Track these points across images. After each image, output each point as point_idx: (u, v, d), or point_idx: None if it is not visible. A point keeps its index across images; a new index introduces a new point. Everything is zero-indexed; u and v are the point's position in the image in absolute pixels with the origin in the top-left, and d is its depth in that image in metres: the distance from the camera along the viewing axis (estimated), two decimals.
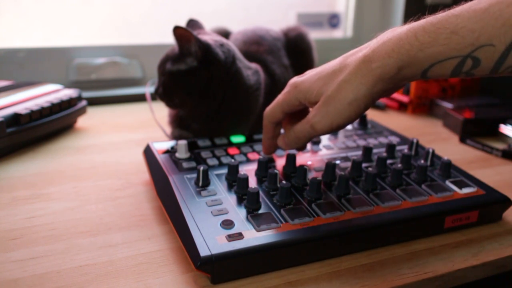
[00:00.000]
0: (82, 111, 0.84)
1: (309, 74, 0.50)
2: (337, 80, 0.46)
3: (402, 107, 1.00)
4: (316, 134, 0.48)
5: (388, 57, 0.43)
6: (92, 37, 1.05)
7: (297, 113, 0.53)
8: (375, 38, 0.46)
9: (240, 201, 0.49)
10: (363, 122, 0.73)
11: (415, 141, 0.64)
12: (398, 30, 0.44)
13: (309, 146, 0.65)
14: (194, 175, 0.54)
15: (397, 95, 1.01)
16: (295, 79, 0.51)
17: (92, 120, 0.87)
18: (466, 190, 0.54)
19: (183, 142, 0.58)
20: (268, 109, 0.54)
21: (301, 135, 0.50)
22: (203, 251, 0.41)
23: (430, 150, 0.60)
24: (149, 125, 0.83)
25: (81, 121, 0.86)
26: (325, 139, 0.67)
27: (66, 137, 0.79)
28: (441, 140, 0.83)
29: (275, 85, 0.73)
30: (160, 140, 0.64)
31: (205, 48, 0.61)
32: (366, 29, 1.28)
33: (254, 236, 0.44)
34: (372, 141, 0.67)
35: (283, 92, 0.52)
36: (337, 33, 1.29)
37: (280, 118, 0.53)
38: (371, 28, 1.29)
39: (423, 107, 0.98)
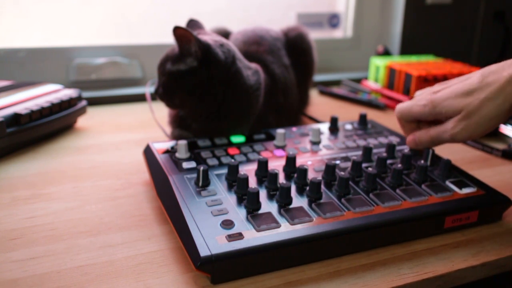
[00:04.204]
0: (82, 111, 0.84)
1: (444, 91, 0.55)
2: (478, 97, 0.51)
3: None
4: (453, 142, 0.55)
5: None
6: (92, 37, 1.05)
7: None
8: None
9: (240, 201, 0.49)
10: (363, 122, 0.73)
11: None
12: None
13: (309, 146, 0.65)
14: (194, 175, 0.54)
15: (397, 95, 1.01)
16: (432, 96, 0.55)
17: (92, 120, 0.87)
18: (466, 190, 0.54)
19: (183, 142, 0.58)
20: (403, 111, 0.59)
21: (437, 141, 0.56)
22: (203, 251, 0.41)
23: (430, 150, 0.60)
24: (149, 125, 0.83)
25: (81, 121, 0.86)
26: (325, 139, 0.67)
27: (66, 137, 0.79)
28: None
29: (275, 85, 0.73)
30: (160, 140, 0.64)
31: (205, 48, 0.61)
32: (366, 29, 1.28)
33: (254, 236, 0.44)
34: (372, 141, 0.67)
35: (418, 103, 0.56)
36: (337, 33, 1.29)
37: (412, 122, 0.60)
38: (371, 28, 1.29)
39: None
